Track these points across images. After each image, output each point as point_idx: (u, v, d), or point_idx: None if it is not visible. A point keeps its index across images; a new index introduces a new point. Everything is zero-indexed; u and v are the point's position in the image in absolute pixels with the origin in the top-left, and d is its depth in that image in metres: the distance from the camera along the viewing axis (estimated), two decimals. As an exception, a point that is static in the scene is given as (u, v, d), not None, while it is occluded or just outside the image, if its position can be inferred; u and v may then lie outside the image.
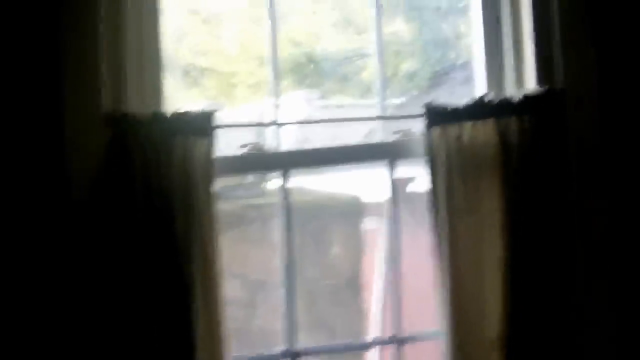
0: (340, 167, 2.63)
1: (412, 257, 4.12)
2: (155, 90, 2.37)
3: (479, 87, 2.69)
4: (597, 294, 2.53)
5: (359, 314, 4.20)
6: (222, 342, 2.26)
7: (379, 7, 2.61)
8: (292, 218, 2.50)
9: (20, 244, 2.18)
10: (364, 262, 4.36)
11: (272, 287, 3.98)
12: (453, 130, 2.42)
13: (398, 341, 2.60)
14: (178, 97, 2.51)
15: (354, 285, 4.18)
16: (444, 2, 2.93)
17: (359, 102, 3.78)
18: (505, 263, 2.38)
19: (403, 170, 3.67)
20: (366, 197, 4.39)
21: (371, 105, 3.70)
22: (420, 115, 2.46)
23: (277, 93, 2.54)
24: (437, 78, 3.29)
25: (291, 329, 2.54)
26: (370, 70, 2.75)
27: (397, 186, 2.59)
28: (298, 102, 3.04)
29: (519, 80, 2.63)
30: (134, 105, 2.28)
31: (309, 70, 3.13)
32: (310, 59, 3.07)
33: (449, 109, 2.43)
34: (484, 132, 2.43)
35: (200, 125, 2.27)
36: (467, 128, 2.43)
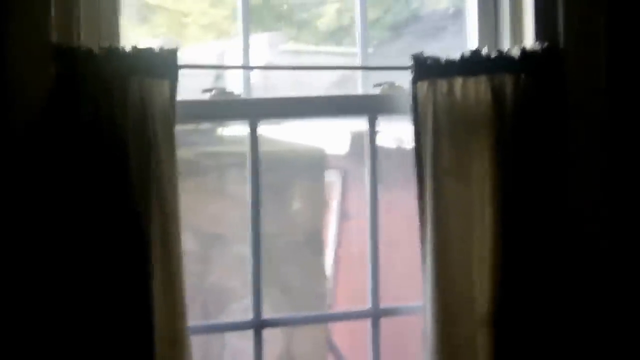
0: (313, 119, 2.37)
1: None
2: (110, 22, 2.16)
3: (471, 40, 2.48)
4: (592, 266, 2.37)
5: (319, 274, 4.04)
6: (181, 302, 2.09)
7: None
8: (259, 172, 2.30)
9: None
10: (326, 218, 4.19)
11: (227, 241, 3.82)
12: (442, 85, 2.23)
13: (375, 314, 2.42)
14: (126, 34, 2.24)
15: (315, 243, 4.01)
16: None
17: (323, 49, 3.58)
18: (495, 232, 2.22)
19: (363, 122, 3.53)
20: (329, 150, 4.22)
21: (334, 53, 3.52)
22: (406, 68, 2.25)
23: (245, 34, 2.33)
24: (405, 27, 3.11)
25: (257, 297, 2.34)
26: (330, 17, 2.51)
27: (373, 141, 2.38)
28: (260, 45, 2.83)
29: (515, 35, 2.43)
30: (86, 38, 2.09)
31: (266, 14, 2.93)
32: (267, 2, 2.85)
33: (440, 61, 2.22)
34: (475, 89, 2.24)
35: (162, 65, 2.05)
36: (458, 84, 2.24)
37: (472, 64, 2.23)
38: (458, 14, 2.61)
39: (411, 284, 3.38)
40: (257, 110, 2.28)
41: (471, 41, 2.47)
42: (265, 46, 3.20)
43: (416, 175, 2.23)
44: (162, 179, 2.04)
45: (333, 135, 4.08)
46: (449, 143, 2.21)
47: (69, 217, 1.99)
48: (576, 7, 2.36)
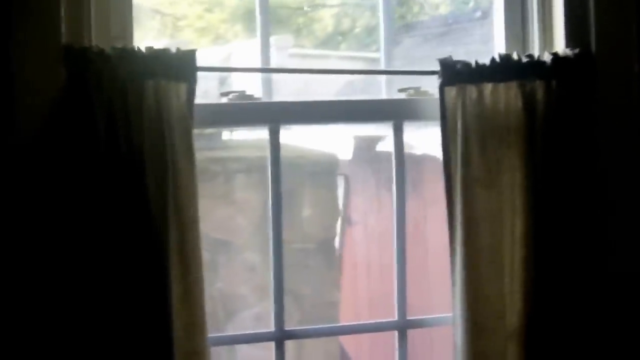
0: (337, 124, 2.27)
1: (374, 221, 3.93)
2: (122, 23, 2.07)
3: (498, 45, 2.38)
4: (626, 278, 2.29)
5: (331, 282, 3.95)
6: (201, 314, 2.00)
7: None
8: (280, 176, 2.20)
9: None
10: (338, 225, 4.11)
11: (236, 248, 3.73)
12: (472, 91, 2.14)
13: (402, 326, 2.34)
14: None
15: (326, 250, 3.92)
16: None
17: (332, 53, 3.52)
18: (526, 243, 2.14)
19: (370, 128, 3.46)
20: (342, 155, 4.14)
21: (341, 57, 3.46)
22: (434, 72, 2.16)
23: (264, 36, 2.25)
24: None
25: (279, 309, 2.25)
26: (327, 22, 2.44)
27: (399, 147, 2.30)
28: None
29: (545, 40, 2.34)
30: (97, 39, 2.01)
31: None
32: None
33: (470, 66, 2.13)
34: (506, 95, 2.15)
35: (179, 67, 1.96)
36: (488, 90, 2.15)
37: (502, 70, 2.14)
38: (484, 18, 2.52)
39: (425, 292, 3.31)
40: (279, 114, 2.19)
41: (498, 45, 2.38)
42: (273, 49, 3.12)
43: (445, 183, 2.14)
44: (180, 186, 1.95)
45: (336, 140, 4.01)
46: (478, 150, 2.12)
47: (81, 224, 1.89)
48: (607, 11, 2.28)
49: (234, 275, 3.73)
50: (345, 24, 3.44)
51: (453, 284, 2.16)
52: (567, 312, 2.17)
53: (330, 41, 3.40)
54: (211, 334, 2.03)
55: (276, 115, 2.18)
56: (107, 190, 1.89)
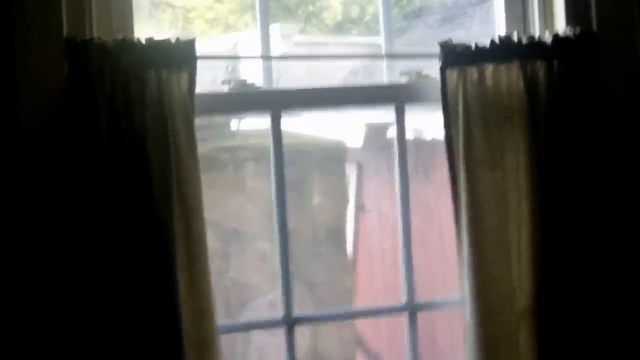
0: (338, 109, 2.28)
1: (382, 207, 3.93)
2: (122, 15, 2.08)
3: (498, 26, 2.38)
4: (635, 257, 2.28)
5: (343, 269, 3.97)
6: (208, 301, 2.00)
7: None
8: (283, 164, 2.20)
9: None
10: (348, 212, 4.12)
11: (247, 237, 3.75)
12: (472, 73, 2.14)
13: (411, 309, 2.34)
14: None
15: (337, 237, 3.94)
16: None
17: (336, 40, 3.53)
18: (532, 224, 2.14)
19: (380, 115, 3.46)
20: (352, 143, 4.16)
21: (346, 44, 3.47)
22: (434, 55, 2.16)
23: (264, 24, 2.24)
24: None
25: (288, 295, 2.25)
26: (336, 10, 2.44)
27: (401, 131, 2.29)
28: (274, 37, 2.77)
29: (546, 20, 2.33)
30: (99, 31, 2.02)
31: (273, 6, 2.89)
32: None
33: (470, 48, 2.13)
34: (507, 76, 2.15)
35: (180, 56, 1.97)
36: (489, 71, 2.14)
37: (503, 51, 2.14)
38: (485, 1, 2.51)
39: (433, 276, 3.31)
40: (280, 101, 2.19)
41: (499, 27, 2.37)
42: (278, 37, 3.14)
43: (449, 165, 2.14)
44: (183, 174, 1.96)
45: (347, 128, 4.02)
46: (481, 132, 2.12)
47: (86, 214, 1.91)
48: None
49: (246, 264, 3.75)
50: (354, 11, 3.45)
51: (460, 266, 2.16)
52: (577, 293, 2.17)
53: (338, 29, 3.42)
54: (225, 322, 2.04)
55: (277, 101, 2.19)
56: (112, 181, 1.91)
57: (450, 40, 2.14)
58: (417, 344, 2.34)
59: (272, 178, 2.20)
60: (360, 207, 4.15)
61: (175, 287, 1.95)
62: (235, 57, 2.29)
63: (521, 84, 2.14)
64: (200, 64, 2.00)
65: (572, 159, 2.16)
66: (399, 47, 2.50)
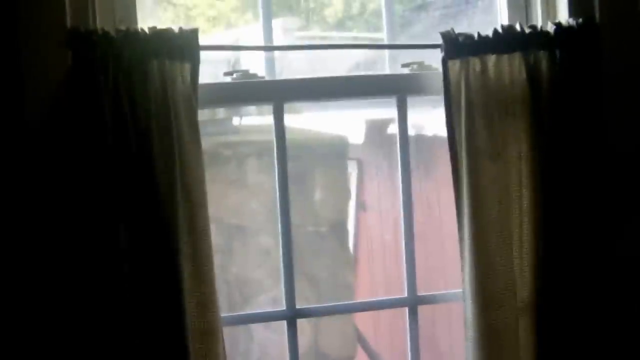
0: (340, 100, 2.28)
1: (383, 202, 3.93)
2: (126, 5, 2.09)
3: (500, 17, 2.38)
4: (637, 249, 2.27)
5: (345, 264, 3.97)
6: (212, 292, 2.01)
7: None
8: (286, 156, 2.20)
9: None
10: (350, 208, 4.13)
11: (250, 232, 3.75)
12: (475, 63, 2.13)
13: (412, 302, 2.34)
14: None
15: (339, 233, 3.94)
16: None
17: (337, 35, 3.53)
18: (534, 216, 2.13)
19: (381, 111, 3.46)
20: (353, 139, 4.16)
21: (348, 39, 3.47)
22: (436, 46, 2.16)
23: (266, 15, 2.25)
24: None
25: (290, 288, 2.26)
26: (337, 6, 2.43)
27: (403, 122, 2.29)
28: (275, 31, 2.78)
29: (548, 10, 2.33)
30: (102, 21, 2.02)
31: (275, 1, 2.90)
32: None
33: (472, 38, 2.12)
34: (510, 66, 2.14)
35: (183, 47, 1.97)
36: (491, 62, 2.14)
37: (505, 41, 2.13)
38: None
39: (433, 273, 3.32)
40: (282, 91, 2.19)
41: (501, 17, 2.37)
42: (279, 32, 3.14)
43: (450, 157, 2.14)
44: (187, 166, 1.95)
45: (348, 125, 4.03)
46: (483, 123, 2.12)
47: (90, 206, 1.91)
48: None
49: (249, 260, 3.75)
50: (355, 8, 3.45)
51: (462, 258, 2.16)
52: (578, 287, 2.16)
53: (340, 27, 3.42)
54: (227, 315, 2.05)
55: (280, 92, 2.19)
56: (116, 172, 1.91)
57: (452, 31, 2.14)
58: (418, 338, 2.34)
59: (275, 170, 2.20)
60: (361, 205, 4.15)
61: (179, 278, 1.95)
62: (238, 48, 2.29)
63: (524, 74, 2.13)
64: (203, 57, 2.00)
65: (574, 150, 2.15)
66: (404, 39, 2.50)
